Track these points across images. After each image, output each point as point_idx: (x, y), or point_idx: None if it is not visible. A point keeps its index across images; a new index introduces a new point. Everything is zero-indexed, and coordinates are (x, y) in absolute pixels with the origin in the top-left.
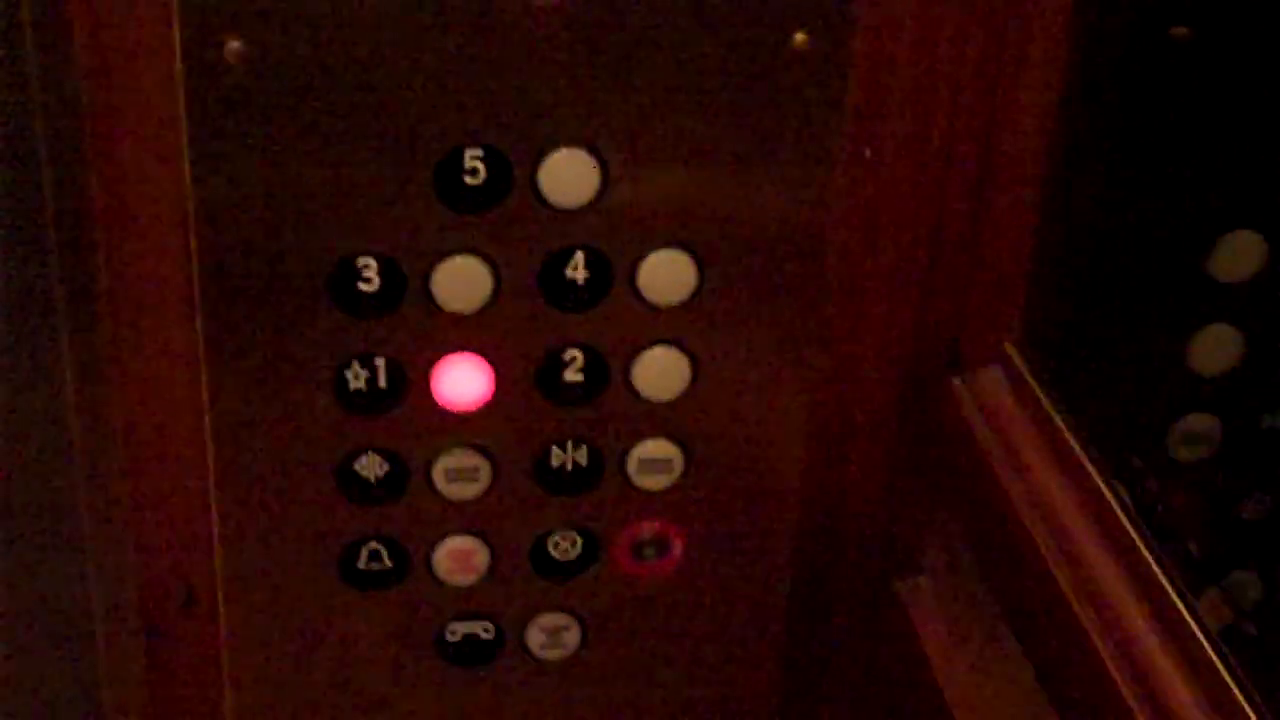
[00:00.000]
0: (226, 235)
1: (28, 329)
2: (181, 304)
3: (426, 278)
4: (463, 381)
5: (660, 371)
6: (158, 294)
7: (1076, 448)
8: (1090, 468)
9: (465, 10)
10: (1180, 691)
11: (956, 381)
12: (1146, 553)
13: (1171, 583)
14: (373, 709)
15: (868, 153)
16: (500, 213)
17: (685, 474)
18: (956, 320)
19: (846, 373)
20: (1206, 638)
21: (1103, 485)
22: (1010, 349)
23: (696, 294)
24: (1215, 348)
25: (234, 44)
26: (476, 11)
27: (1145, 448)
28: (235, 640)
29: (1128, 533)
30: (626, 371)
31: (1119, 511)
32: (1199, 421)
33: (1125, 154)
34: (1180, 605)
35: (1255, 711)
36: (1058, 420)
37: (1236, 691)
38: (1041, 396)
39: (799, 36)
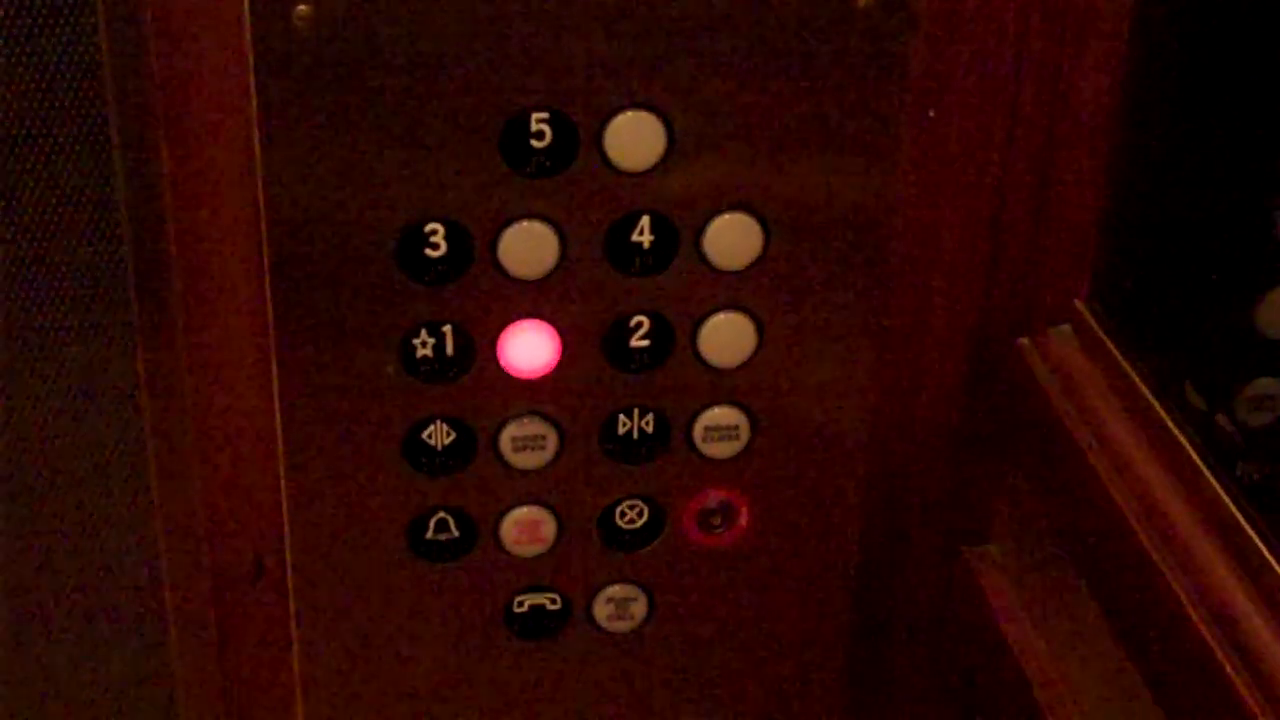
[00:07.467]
0: (294, 202)
1: (99, 303)
2: (250, 273)
3: (493, 244)
4: (529, 348)
5: (726, 337)
6: (227, 263)
7: (1154, 402)
8: (1170, 422)
9: None
10: (1274, 649)
11: (1025, 341)
12: (1234, 509)
13: (1262, 539)
14: (440, 681)
15: (931, 113)
16: (566, 177)
17: (751, 442)
18: (1026, 281)
19: (913, 336)
20: None
21: (1184, 440)
22: (1081, 306)
23: (761, 258)
24: None
25: (302, 8)
26: None
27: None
28: (303, 611)
29: (1213, 487)
30: (692, 338)
31: (1202, 466)
32: (1267, 385)
33: (1196, 111)
34: (1273, 562)
35: None
36: (1133, 375)
37: None
38: (1114, 351)
39: None
